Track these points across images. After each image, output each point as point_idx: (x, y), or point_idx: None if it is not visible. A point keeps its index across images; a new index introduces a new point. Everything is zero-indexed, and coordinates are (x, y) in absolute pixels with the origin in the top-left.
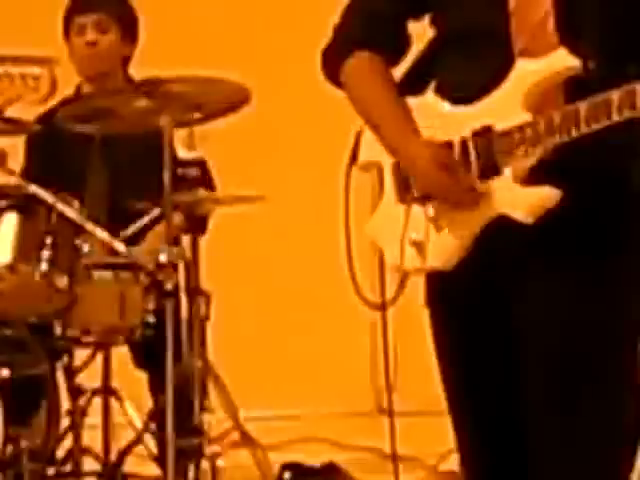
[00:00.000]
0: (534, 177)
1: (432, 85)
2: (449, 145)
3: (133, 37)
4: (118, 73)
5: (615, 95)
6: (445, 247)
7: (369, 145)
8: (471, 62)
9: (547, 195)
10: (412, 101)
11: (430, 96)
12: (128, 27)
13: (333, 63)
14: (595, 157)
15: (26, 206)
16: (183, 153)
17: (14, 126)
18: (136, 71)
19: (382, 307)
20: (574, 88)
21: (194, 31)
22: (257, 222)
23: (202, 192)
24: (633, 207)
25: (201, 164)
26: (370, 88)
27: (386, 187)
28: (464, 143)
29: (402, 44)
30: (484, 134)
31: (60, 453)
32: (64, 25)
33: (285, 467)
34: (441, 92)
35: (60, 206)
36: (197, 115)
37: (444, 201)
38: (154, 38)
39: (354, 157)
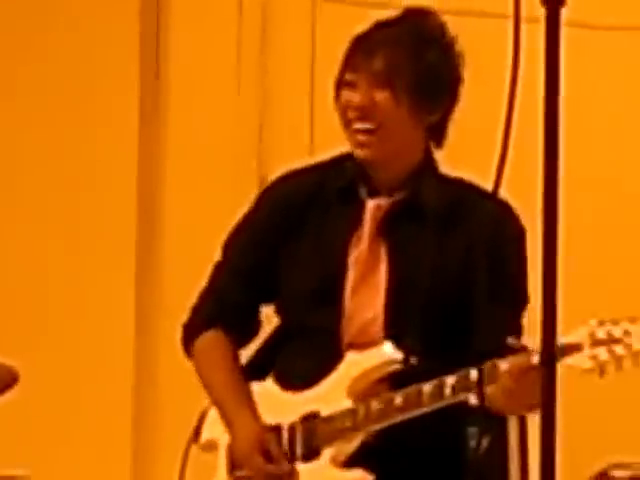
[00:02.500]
0: (355, 460)
1: (272, 372)
2: (278, 429)
3: None
4: None
5: (426, 386)
6: None
7: (211, 425)
8: (305, 352)
9: (359, 478)
10: (255, 387)
11: (269, 383)
12: None
13: (187, 339)
14: (422, 437)
15: None
16: None
17: None
18: None
19: None
20: (399, 381)
21: None
22: None
23: None
24: None
25: None
26: (214, 366)
27: (219, 465)
28: (292, 427)
29: (252, 327)
30: (310, 419)
31: None
32: None
33: None
34: (279, 379)
35: None
36: None
37: None
38: None
39: (196, 435)
